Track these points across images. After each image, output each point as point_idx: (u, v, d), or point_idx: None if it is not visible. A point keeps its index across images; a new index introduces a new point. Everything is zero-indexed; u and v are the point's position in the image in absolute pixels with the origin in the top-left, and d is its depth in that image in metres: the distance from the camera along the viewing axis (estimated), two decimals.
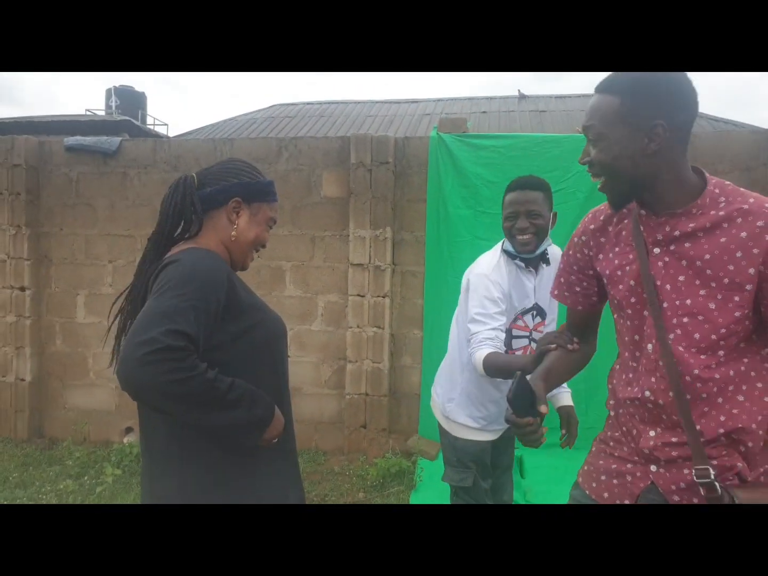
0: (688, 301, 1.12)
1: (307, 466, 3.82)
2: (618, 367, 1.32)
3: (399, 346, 4.24)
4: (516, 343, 1.99)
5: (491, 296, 1.86)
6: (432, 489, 3.38)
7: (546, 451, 3.93)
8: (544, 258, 1.97)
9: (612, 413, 1.32)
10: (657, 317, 1.15)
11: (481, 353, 1.78)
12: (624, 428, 1.26)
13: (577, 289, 1.38)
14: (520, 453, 3.53)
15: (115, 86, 14.25)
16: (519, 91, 8.57)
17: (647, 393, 1.18)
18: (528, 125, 7.16)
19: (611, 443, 1.30)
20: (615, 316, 1.31)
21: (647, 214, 1.16)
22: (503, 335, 1.88)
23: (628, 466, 1.24)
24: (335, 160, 4.14)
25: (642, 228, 1.17)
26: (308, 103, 10.58)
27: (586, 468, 1.36)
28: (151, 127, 13.34)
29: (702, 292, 1.11)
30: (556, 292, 1.45)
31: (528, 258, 1.93)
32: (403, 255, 4.18)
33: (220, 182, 1.20)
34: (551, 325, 2.07)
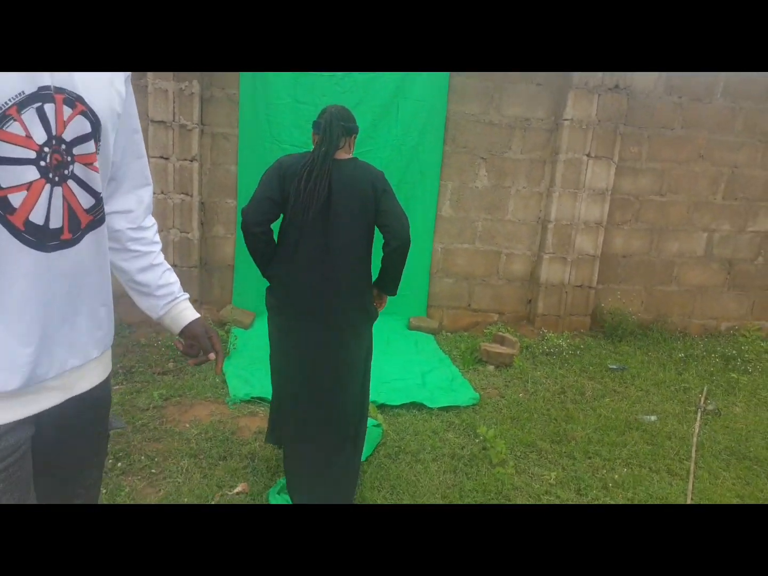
0: None
1: None
2: None
3: (210, 215, 4.01)
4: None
5: None
6: (245, 356, 3.46)
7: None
8: None
9: None
10: None
11: None
12: None
13: None
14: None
15: None
16: None
17: None
18: None
19: None
20: None
21: None
22: None
23: None
24: None
25: None
26: None
27: None
28: None
29: None
30: None
31: None
32: (214, 114, 3.81)
33: (351, 122, 2.04)
34: None
